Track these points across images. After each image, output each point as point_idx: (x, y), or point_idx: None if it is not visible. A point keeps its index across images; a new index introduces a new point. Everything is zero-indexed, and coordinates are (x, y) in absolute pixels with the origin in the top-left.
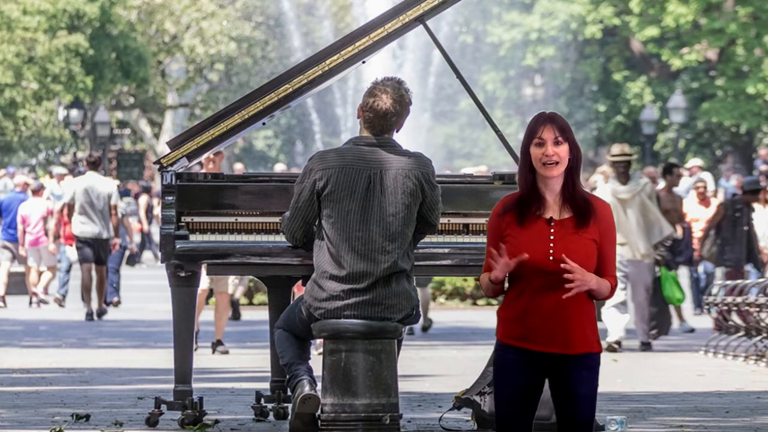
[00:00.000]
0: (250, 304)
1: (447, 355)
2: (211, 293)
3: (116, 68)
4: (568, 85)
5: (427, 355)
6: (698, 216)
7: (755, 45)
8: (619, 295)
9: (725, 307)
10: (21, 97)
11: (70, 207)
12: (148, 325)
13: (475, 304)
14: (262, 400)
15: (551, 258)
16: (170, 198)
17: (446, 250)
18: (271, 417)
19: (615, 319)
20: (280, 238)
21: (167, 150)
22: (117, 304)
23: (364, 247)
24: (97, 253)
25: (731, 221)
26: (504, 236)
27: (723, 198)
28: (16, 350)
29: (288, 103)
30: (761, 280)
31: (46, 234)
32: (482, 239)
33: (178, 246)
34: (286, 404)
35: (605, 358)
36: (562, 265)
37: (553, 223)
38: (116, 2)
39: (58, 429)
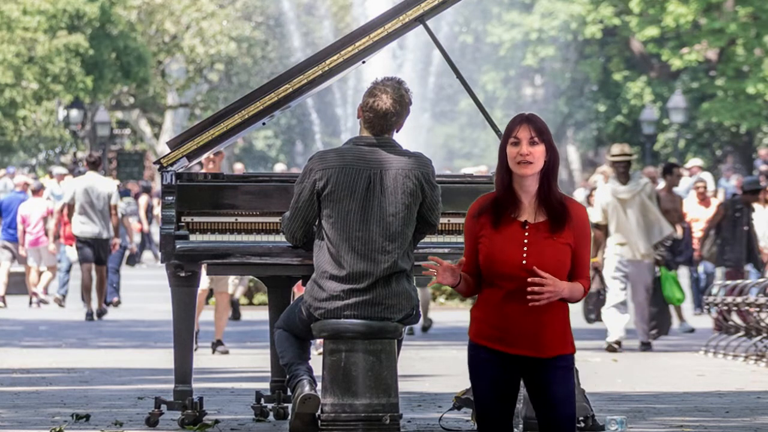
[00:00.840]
0: (250, 304)
1: (447, 355)
2: (211, 293)
3: (116, 68)
4: (568, 85)
5: (427, 355)
6: (698, 216)
7: (755, 45)
8: (619, 295)
9: (725, 307)
10: (21, 97)
11: (70, 207)
12: (148, 325)
13: None
14: (262, 400)
15: (524, 262)
16: (170, 198)
17: (446, 250)
18: (271, 417)
19: (615, 319)
20: (280, 238)
21: (167, 150)
22: (117, 304)
23: (364, 247)
24: (97, 253)
25: (731, 221)
26: (478, 237)
27: (723, 198)
28: (16, 350)
29: (288, 103)
30: (761, 280)
31: (46, 234)
32: None
33: (178, 246)
34: (286, 404)
35: (605, 357)
36: (530, 279)
37: (527, 227)
38: (116, 2)
39: (58, 429)
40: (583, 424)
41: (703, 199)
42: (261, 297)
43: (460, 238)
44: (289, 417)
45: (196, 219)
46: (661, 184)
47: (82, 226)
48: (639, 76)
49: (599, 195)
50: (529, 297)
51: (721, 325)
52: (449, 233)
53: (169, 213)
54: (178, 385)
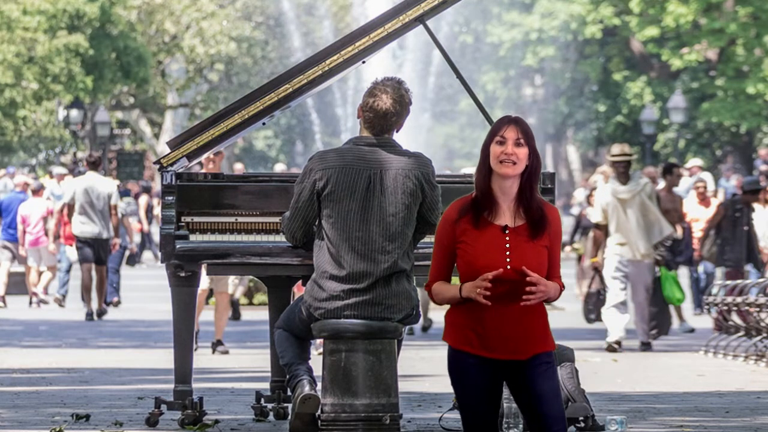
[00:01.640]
0: (250, 304)
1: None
2: (211, 293)
3: (116, 68)
4: (568, 85)
5: (427, 355)
6: (698, 216)
7: (755, 45)
8: (619, 295)
9: (725, 307)
10: (21, 97)
11: (70, 207)
12: (148, 325)
13: None
14: (262, 400)
15: (508, 267)
16: (170, 198)
17: None
18: (271, 417)
19: (615, 319)
20: (280, 238)
21: (167, 150)
22: (117, 304)
23: (364, 247)
24: (97, 253)
25: (731, 221)
26: (458, 243)
27: (723, 198)
28: (16, 350)
29: (288, 103)
30: (761, 280)
31: (46, 234)
32: None
33: (178, 246)
34: (286, 404)
35: (605, 357)
36: (528, 279)
37: (507, 231)
38: (116, 2)
39: (58, 429)
40: (583, 424)
41: (703, 199)
42: (261, 297)
43: None
44: (289, 417)
45: (196, 219)
46: (661, 184)
47: (82, 226)
48: (639, 76)
49: (599, 195)
50: (524, 297)
51: (721, 325)
52: None
53: (169, 213)
54: (178, 385)
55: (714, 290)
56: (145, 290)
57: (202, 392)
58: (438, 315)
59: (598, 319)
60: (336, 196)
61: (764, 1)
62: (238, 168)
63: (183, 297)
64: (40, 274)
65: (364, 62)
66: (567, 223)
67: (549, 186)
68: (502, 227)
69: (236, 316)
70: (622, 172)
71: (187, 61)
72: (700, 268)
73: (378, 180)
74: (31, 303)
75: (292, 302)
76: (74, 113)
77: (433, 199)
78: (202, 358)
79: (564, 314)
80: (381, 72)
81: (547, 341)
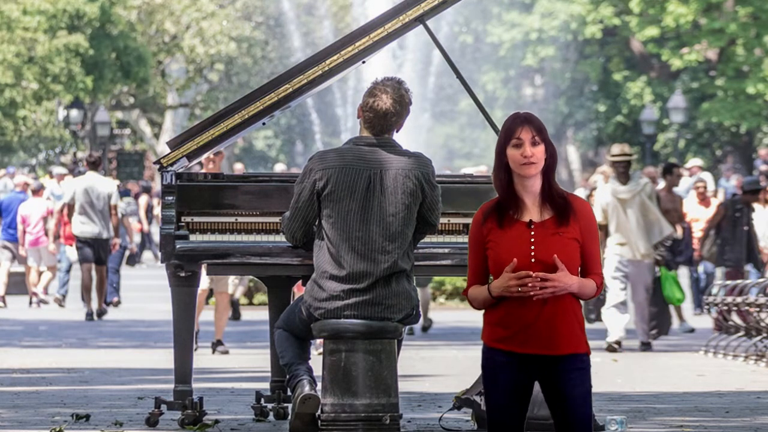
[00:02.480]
0: (250, 304)
1: (447, 355)
2: (211, 293)
3: (116, 68)
4: (568, 85)
5: (427, 355)
6: (698, 216)
7: (755, 45)
8: (619, 295)
9: (725, 307)
10: (21, 97)
11: (70, 207)
12: (148, 325)
13: None
14: (262, 400)
15: (533, 260)
16: (170, 198)
17: (446, 250)
18: (271, 417)
19: (615, 319)
20: (280, 238)
21: (167, 150)
22: (117, 304)
23: (364, 247)
24: (97, 253)
25: (731, 221)
26: (486, 243)
27: (723, 198)
28: (16, 350)
29: (288, 103)
30: (761, 280)
31: (46, 234)
32: None
33: (178, 246)
34: (286, 404)
35: (605, 357)
36: (535, 274)
37: (533, 226)
38: (116, 2)
39: (58, 429)
40: None
41: (703, 199)
42: (261, 297)
43: (460, 238)
44: (289, 417)
45: (196, 219)
46: (661, 184)
47: (82, 226)
48: (639, 76)
49: (599, 195)
50: (531, 289)
51: (721, 325)
52: (449, 233)
53: (169, 213)
54: (178, 385)
55: (714, 290)
56: (145, 290)
57: (202, 392)
58: (438, 315)
59: (598, 319)
60: (336, 196)
61: (764, 1)
62: (238, 168)
63: (183, 297)
64: (40, 274)
65: (364, 62)
66: None
67: None
68: (527, 222)
69: (236, 316)
70: (622, 172)
71: (187, 61)
72: (700, 268)
73: (378, 180)
74: (31, 303)
75: (292, 302)
76: (74, 113)
77: (433, 199)
78: (202, 358)
79: None
80: (381, 72)
81: (580, 341)
